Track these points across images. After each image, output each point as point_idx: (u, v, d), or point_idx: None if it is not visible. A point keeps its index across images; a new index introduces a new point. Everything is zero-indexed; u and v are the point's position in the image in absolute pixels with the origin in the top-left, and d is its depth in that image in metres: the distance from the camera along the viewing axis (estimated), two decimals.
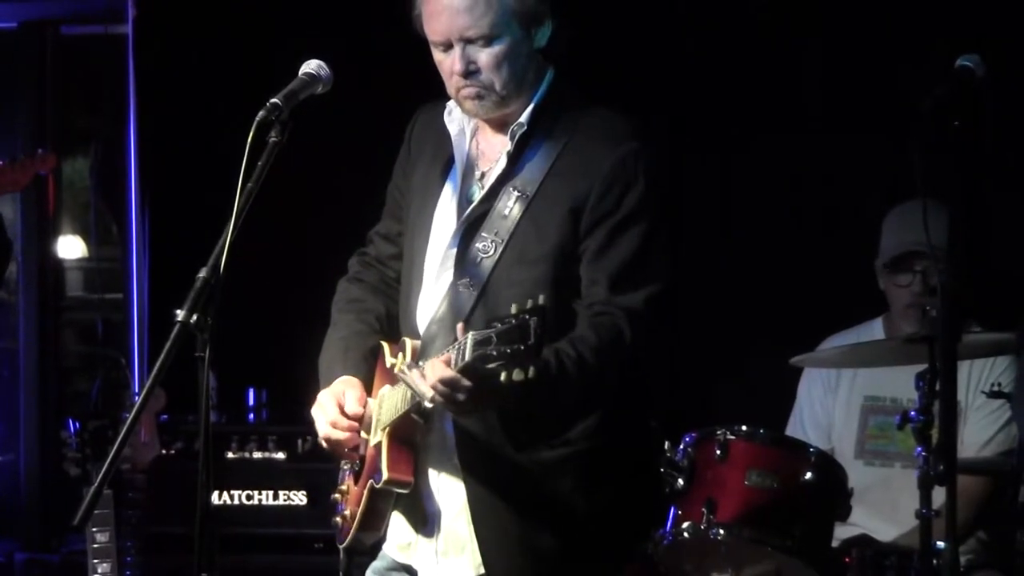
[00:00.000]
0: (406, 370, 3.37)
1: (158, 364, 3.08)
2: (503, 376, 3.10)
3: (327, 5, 6.24)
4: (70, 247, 7.26)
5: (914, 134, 3.45)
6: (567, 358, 3.39)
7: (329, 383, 3.67)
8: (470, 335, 3.15)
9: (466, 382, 3.23)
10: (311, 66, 3.46)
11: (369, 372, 3.71)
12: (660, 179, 3.57)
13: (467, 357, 3.16)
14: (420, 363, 3.38)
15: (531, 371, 3.10)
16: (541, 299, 3.10)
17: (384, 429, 3.55)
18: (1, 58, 7.09)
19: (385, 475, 3.50)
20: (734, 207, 6.00)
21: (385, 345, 3.71)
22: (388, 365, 3.67)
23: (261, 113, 3.27)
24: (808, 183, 6.00)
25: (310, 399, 3.67)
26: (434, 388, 3.27)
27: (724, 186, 6.01)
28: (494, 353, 3.10)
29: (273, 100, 3.30)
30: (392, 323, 3.78)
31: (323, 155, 5.95)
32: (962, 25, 5.59)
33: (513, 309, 3.11)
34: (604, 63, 5.82)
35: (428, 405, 3.34)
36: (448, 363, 3.25)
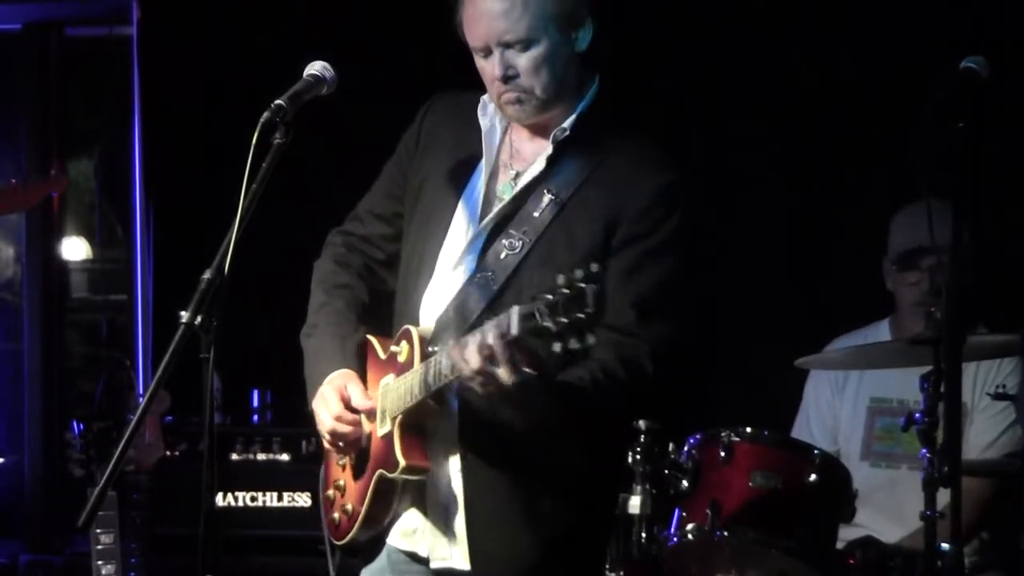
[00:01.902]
0: (451, 344, 3.29)
1: (162, 365, 3.08)
2: (559, 347, 3.06)
3: (332, 7, 6.24)
4: (74, 248, 7.27)
5: (918, 135, 3.45)
6: (598, 381, 3.39)
7: (323, 372, 3.64)
8: (515, 308, 3.10)
9: (517, 357, 3.17)
10: (315, 67, 3.46)
11: (362, 364, 3.68)
12: (696, 218, 3.57)
13: (514, 331, 3.11)
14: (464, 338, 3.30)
15: (589, 339, 3.06)
16: (594, 267, 3.07)
17: (395, 418, 3.52)
18: (5, 60, 7.09)
19: (402, 463, 3.47)
20: (739, 206, 5.99)
21: (372, 338, 3.68)
22: (385, 356, 3.64)
23: (265, 115, 3.27)
24: (814, 183, 6.00)
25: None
26: (481, 363, 3.20)
27: (728, 186, 6.00)
28: (546, 325, 3.06)
29: (277, 102, 3.29)
30: (375, 310, 3.75)
31: (328, 156, 5.95)
32: (965, 26, 5.59)
33: (560, 280, 3.06)
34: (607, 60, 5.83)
35: (467, 378, 3.26)
36: (502, 335, 3.17)
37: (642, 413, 3.63)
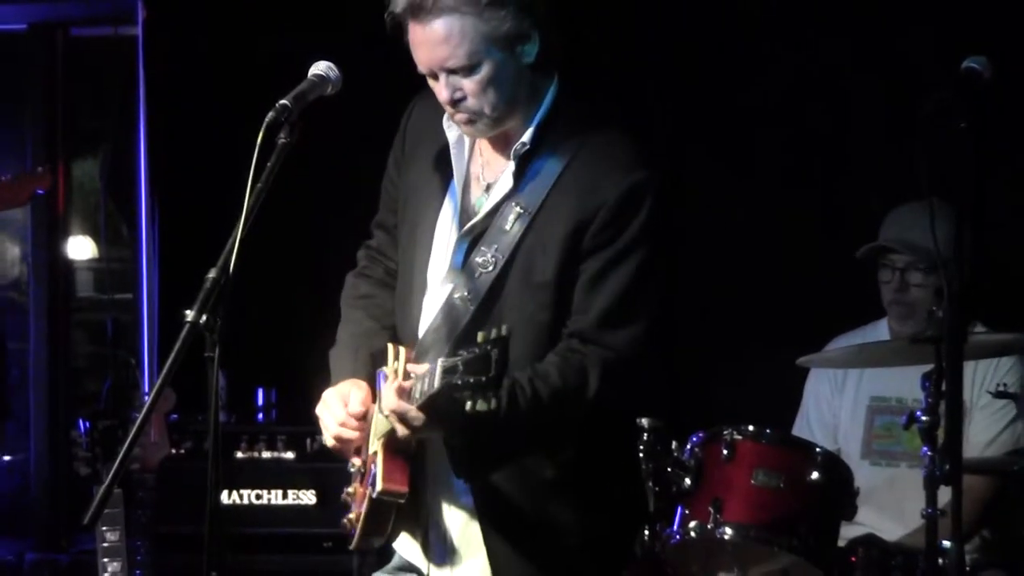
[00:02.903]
0: (387, 376, 3.45)
1: (168, 364, 3.09)
2: (468, 406, 3.10)
3: (337, 7, 6.25)
4: (80, 248, 7.28)
5: (919, 135, 3.46)
6: (521, 394, 3.41)
7: (338, 383, 3.67)
8: (440, 362, 3.14)
9: (416, 414, 3.32)
10: (320, 67, 3.47)
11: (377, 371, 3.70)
12: (662, 208, 3.54)
13: (436, 385, 3.16)
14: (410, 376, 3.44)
15: (493, 402, 3.10)
16: (504, 329, 3.09)
17: (380, 439, 3.54)
18: (11, 60, 7.11)
19: (380, 486, 3.49)
20: (739, 206, 6.00)
21: (390, 347, 3.69)
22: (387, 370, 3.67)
23: (270, 114, 3.27)
24: (814, 182, 6.01)
25: (319, 398, 3.68)
26: (390, 412, 3.37)
27: (729, 185, 6.01)
28: (459, 382, 3.09)
29: (282, 101, 3.30)
30: None
31: (333, 156, 5.96)
32: (967, 26, 5.60)
33: (479, 337, 3.10)
34: (601, 54, 5.85)
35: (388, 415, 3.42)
36: (401, 392, 3.32)
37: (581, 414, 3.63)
